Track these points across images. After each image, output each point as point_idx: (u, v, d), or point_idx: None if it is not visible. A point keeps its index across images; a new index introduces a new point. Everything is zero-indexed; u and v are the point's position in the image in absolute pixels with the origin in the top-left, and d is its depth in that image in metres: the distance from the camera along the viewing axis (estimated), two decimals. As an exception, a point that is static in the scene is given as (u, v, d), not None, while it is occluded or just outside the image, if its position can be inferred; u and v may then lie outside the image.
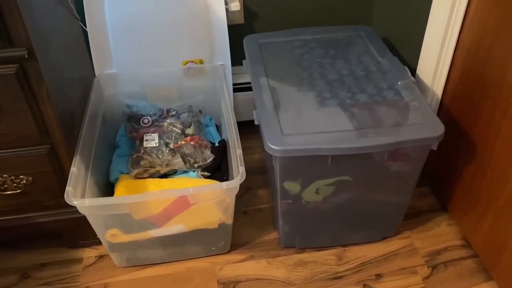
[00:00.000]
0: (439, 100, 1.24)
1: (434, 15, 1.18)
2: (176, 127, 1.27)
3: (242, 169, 1.02)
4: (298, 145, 0.98)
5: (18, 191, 1.06)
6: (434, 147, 1.03)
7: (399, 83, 1.15)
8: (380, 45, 1.30)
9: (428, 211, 1.33)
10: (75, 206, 0.99)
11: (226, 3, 1.37)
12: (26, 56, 0.87)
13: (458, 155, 1.20)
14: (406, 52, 1.36)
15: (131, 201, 1.01)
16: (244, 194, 1.39)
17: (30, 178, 1.05)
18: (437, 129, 1.00)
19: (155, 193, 1.10)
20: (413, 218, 1.31)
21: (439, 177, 1.33)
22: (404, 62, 1.30)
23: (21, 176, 1.05)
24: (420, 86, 1.27)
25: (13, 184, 1.05)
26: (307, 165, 1.02)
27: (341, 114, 1.06)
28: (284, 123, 1.03)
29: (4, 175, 1.04)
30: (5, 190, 1.06)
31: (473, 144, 1.13)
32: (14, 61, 0.88)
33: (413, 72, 1.30)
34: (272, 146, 0.98)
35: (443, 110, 1.24)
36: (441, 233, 1.27)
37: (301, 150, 0.98)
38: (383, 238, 1.26)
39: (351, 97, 1.10)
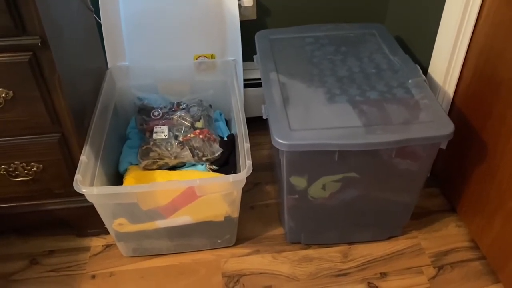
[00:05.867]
0: (451, 100, 1.23)
1: (448, 15, 1.17)
2: (186, 120, 1.28)
3: (249, 162, 1.02)
4: (305, 140, 0.98)
5: (29, 178, 1.08)
6: (443, 145, 1.01)
7: (410, 81, 1.14)
8: (393, 43, 1.30)
9: (436, 212, 1.32)
10: (84, 195, 1.01)
11: (239, -1, 1.38)
12: (39, 44, 0.88)
13: (468, 156, 1.19)
14: (419, 51, 1.35)
15: (139, 190, 1.02)
16: (251, 189, 1.40)
17: (41, 165, 1.07)
18: (447, 127, 1.00)
19: (162, 184, 1.11)
20: (421, 218, 1.30)
21: (449, 178, 1.32)
22: (416, 61, 1.29)
23: (32, 163, 1.07)
24: (432, 85, 1.26)
25: (24, 171, 1.07)
26: (314, 161, 1.02)
27: (350, 110, 1.05)
28: (292, 118, 1.03)
29: (16, 162, 1.06)
30: (16, 176, 1.08)
31: (483, 145, 1.12)
32: (27, 49, 0.90)
33: (425, 71, 1.29)
34: (280, 140, 0.98)
35: (455, 110, 1.23)
36: (449, 234, 1.26)
37: (308, 145, 0.98)
38: (390, 237, 1.25)
39: (361, 94, 1.10)
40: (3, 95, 0.94)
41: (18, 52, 0.90)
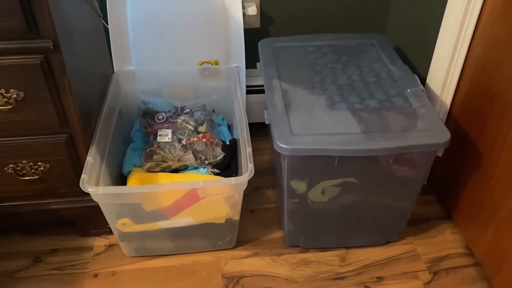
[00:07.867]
0: (448, 110, 1.26)
1: (446, 27, 1.20)
2: (189, 124, 1.31)
3: (251, 166, 1.05)
4: (306, 145, 1.01)
5: (36, 177, 1.11)
6: (440, 153, 1.04)
7: (408, 90, 1.17)
8: (392, 53, 1.33)
9: (432, 219, 1.35)
10: (88, 195, 1.03)
11: (243, 7, 1.41)
12: (51, 47, 0.92)
13: (464, 165, 1.22)
14: (417, 61, 1.39)
15: (143, 191, 1.04)
16: (252, 193, 1.42)
17: (48, 165, 1.10)
18: (443, 135, 1.03)
19: (167, 185, 1.14)
20: (418, 224, 1.33)
21: (445, 186, 1.35)
22: (415, 71, 1.32)
23: (39, 163, 1.09)
24: (430, 95, 1.29)
25: (31, 170, 1.10)
26: (314, 165, 1.05)
27: (350, 117, 1.08)
28: (294, 123, 1.06)
29: (23, 161, 1.08)
30: (23, 175, 1.10)
31: (479, 154, 1.15)
32: (40, 52, 0.93)
33: (423, 81, 1.33)
34: (281, 144, 1.01)
35: (451, 120, 1.26)
36: (445, 241, 1.29)
37: (309, 150, 1.01)
38: (387, 243, 1.27)
39: (361, 102, 1.13)
40: (14, 95, 0.96)
41: (30, 54, 0.93)
